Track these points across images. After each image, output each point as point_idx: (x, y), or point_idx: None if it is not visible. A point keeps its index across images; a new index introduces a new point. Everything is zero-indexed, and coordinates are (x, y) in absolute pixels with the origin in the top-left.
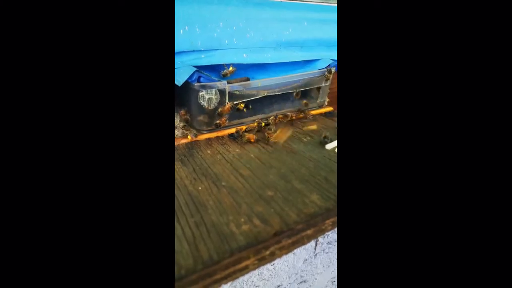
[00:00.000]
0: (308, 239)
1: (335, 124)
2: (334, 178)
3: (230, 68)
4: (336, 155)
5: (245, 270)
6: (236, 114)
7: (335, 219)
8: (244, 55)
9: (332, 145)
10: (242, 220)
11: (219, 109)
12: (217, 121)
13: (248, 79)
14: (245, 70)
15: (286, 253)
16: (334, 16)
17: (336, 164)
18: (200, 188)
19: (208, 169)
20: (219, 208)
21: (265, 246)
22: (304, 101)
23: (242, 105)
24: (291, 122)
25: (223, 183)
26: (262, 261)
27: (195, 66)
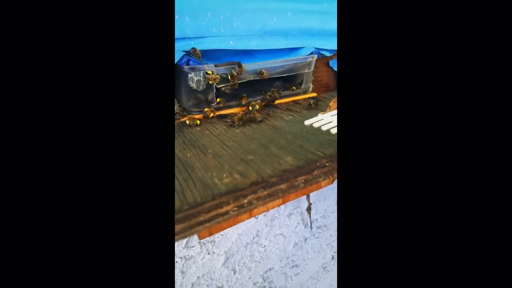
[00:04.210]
0: (283, 193)
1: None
2: (308, 145)
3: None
4: (313, 128)
5: (226, 215)
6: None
7: (307, 177)
8: (231, 42)
9: (310, 121)
10: (224, 175)
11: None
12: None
13: (240, 64)
14: (232, 57)
15: (262, 205)
16: (316, 7)
17: (311, 136)
18: (188, 154)
19: (197, 141)
20: (205, 168)
21: (243, 194)
22: (293, 86)
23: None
24: (275, 106)
25: (209, 151)
26: (241, 209)
27: (184, 51)
